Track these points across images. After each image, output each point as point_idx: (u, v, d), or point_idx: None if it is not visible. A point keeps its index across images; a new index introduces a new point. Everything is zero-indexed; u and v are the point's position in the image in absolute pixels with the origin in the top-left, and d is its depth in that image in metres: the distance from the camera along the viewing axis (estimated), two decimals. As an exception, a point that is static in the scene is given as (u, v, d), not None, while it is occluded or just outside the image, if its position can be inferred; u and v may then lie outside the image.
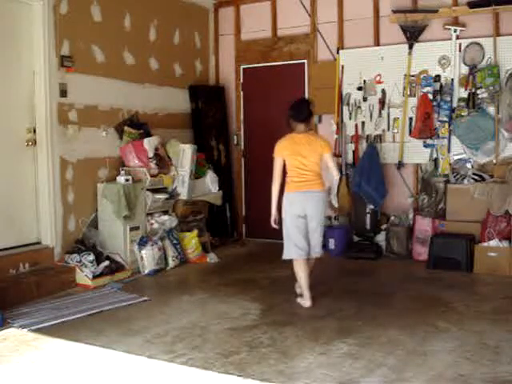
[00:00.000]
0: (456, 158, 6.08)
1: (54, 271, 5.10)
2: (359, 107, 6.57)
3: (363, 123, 6.54)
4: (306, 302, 4.51)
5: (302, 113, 4.54)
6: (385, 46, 6.44)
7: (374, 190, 6.11)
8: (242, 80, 7.39)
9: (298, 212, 4.48)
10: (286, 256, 4.57)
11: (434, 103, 6.11)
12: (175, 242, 5.95)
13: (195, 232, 6.24)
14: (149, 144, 5.91)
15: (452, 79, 6.05)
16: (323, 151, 4.51)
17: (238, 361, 3.40)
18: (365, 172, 6.13)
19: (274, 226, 4.57)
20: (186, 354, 3.53)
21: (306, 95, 6.78)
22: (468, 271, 5.48)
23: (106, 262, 5.29)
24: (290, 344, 3.69)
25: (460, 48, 6.01)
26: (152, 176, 5.89)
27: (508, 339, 3.68)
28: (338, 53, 6.65)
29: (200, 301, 4.73)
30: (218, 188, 6.70)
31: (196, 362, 3.40)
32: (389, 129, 6.42)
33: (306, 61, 6.93)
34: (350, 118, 6.60)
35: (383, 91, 6.42)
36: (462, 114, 5.99)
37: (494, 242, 5.45)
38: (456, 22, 6.08)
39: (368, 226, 6.25)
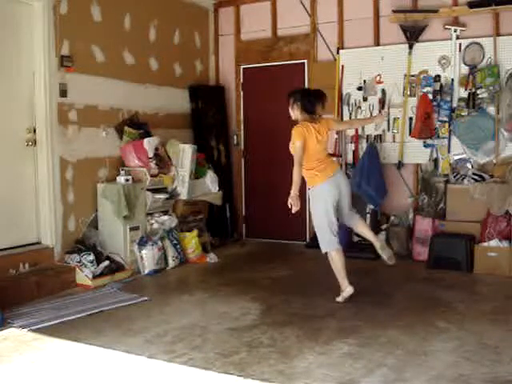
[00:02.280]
0: (456, 158, 6.07)
1: (54, 271, 5.09)
2: (359, 107, 6.56)
3: (363, 123, 6.55)
4: (349, 289, 4.52)
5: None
6: (385, 45, 6.43)
7: (373, 190, 6.10)
8: (242, 80, 7.39)
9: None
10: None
11: (434, 103, 6.10)
12: (175, 242, 5.95)
13: (195, 232, 6.24)
14: (149, 144, 5.91)
15: (452, 79, 6.05)
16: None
17: (237, 361, 3.40)
18: (365, 172, 6.13)
19: None
20: (186, 353, 3.53)
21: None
22: (468, 271, 5.47)
23: (106, 262, 5.29)
24: (289, 344, 3.68)
25: (460, 48, 6.01)
26: (152, 176, 5.89)
27: (508, 339, 3.68)
28: (338, 53, 6.65)
29: (200, 301, 4.73)
30: (217, 188, 6.69)
31: (196, 362, 3.40)
32: (389, 129, 6.42)
33: (305, 61, 6.92)
34: (350, 118, 6.60)
35: (383, 91, 6.42)
36: (462, 114, 5.99)
37: (493, 242, 5.44)
38: (456, 22, 6.08)
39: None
